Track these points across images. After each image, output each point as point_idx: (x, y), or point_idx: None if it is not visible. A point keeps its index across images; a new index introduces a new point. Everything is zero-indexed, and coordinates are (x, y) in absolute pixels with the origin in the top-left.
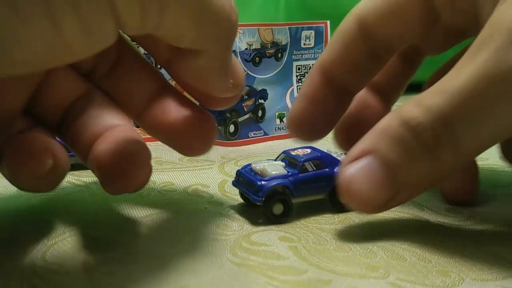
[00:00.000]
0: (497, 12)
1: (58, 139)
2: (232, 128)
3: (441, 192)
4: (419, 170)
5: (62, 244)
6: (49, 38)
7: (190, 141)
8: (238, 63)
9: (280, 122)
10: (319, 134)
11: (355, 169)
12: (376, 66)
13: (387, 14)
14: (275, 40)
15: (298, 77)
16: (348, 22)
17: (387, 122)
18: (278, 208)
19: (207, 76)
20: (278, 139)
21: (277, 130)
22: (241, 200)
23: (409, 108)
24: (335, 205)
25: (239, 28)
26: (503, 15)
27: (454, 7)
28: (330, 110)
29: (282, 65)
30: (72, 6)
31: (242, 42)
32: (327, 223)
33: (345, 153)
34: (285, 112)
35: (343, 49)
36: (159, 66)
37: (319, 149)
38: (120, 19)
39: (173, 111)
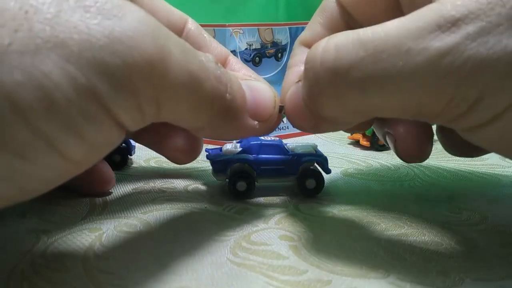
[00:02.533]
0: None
1: None
2: None
3: (394, 151)
4: (314, 104)
5: (62, 242)
6: (59, 167)
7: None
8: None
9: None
10: None
11: (291, 91)
12: None
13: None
14: (275, 40)
15: None
16: (328, 1)
17: (308, 56)
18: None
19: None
20: None
21: (277, 129)
22: (241, 199)
23: (319, 43)
24: (303, 190)
25: (239, 28)
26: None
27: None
28: None
29: (282, 65)
30: (75, 136)
31: (242, 42)
32: (327, 224)
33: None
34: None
35: (324, 24)
36: None
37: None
38: (124, 127)
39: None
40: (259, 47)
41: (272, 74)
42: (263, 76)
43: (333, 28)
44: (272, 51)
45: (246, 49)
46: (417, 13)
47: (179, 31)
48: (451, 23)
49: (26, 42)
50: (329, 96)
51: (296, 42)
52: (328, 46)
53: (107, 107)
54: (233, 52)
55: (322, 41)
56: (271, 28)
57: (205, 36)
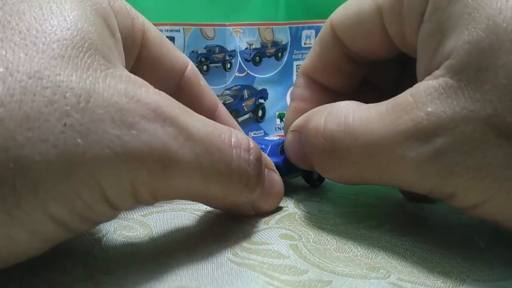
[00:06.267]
0: (418, 85)
1: None
2: None
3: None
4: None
5: (62, 244)
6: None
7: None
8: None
9: (280, 122)
10: None
11: (289, 137)
12: (357, 68)
13: (355, 30)
14: (276, 40)
15: None
16: (325, 27)
17: (310, 115)
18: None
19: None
20: None
21: (277, 130)
22: None
23: (318, 119)
24: (309, 182)
25: (239, 27)
26: (408, 95)
27: (406, 43)
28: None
29: (282, 65)
30: (85, 221)
31: (242, 41)
32: (328, 223)
33: None
34: (285, 112)
35: (320, 54)
36: None
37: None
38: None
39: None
40: (260, 46)
41: (272, 73)
42: (263, 76)
43: (329, 59)
44: (272, 50)
45: (247, 48)
46: (396, 113)
47: (180, 76)
48: (423, 134)
49: None
50: (326, 169)
51: (299, 71)
52: (326, 134)
53: (112, 205)
54: (233, 51)
55: (318, 125)
56: (272, 28)
57: (202, 83)
